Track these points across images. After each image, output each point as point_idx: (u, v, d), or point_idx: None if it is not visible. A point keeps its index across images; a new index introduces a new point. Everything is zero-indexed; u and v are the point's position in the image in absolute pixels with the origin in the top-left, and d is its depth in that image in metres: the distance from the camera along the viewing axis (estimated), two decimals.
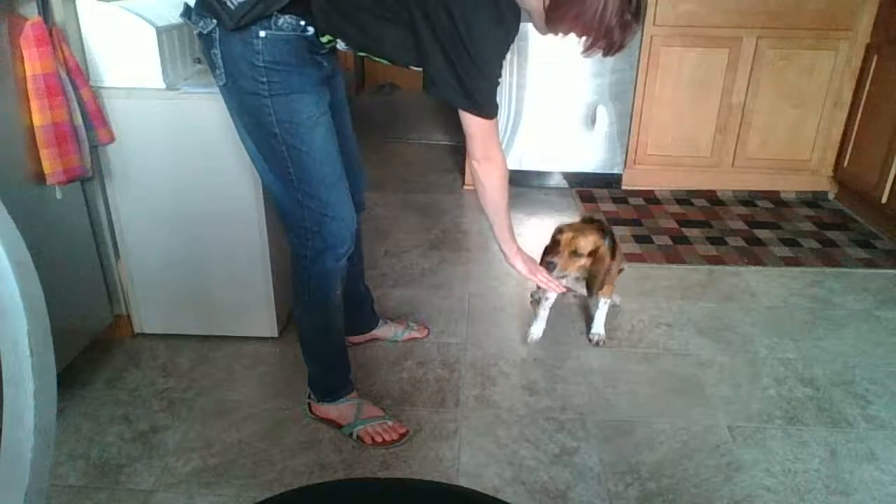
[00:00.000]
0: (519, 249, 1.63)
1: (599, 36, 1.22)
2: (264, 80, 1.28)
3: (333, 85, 1.47)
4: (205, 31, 1.28)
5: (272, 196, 1.48)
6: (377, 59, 1.38)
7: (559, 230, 1.88)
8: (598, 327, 2.00)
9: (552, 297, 1.97)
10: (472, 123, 1.34)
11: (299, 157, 1.36)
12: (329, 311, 1.56)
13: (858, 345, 2.03)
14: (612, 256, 1.88)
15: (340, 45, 1.35)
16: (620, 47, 1.24)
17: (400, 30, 1.27)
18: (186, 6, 1.32)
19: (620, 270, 2.03)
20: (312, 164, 1.38)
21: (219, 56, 1.29)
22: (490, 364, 1.92)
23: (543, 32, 1.31)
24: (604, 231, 1.88)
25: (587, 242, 1.83)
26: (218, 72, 1.32)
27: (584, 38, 1.24)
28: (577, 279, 1.91)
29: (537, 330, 1.98)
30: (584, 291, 1.93)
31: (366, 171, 1.74)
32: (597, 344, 1.96)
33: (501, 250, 1.63)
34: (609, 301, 1.99)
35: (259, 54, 1.26)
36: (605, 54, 1.26)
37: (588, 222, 1.95)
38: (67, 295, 1.73)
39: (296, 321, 1.64)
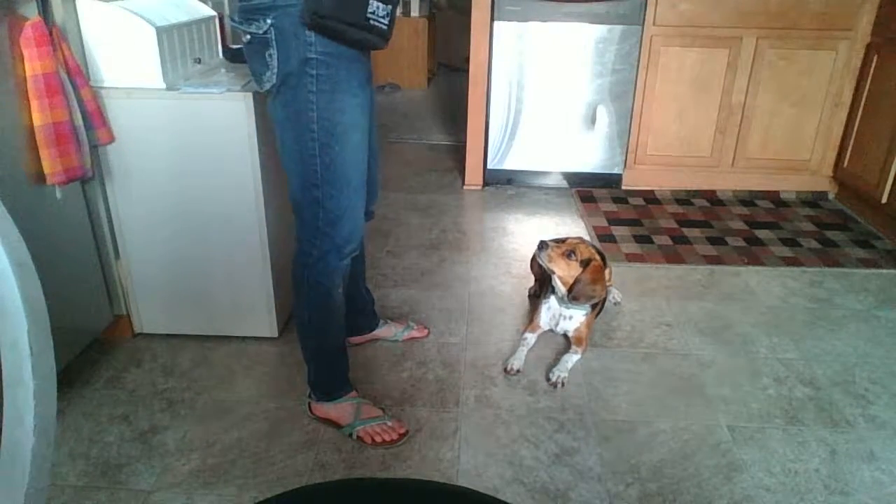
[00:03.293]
0: None
1: None
2: (313, 72, 1.30)
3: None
4: (259, 32, 1.29)
5: (290, 191, 1.48)
6: None
7: (576, 238, 1.98)
8: (562, 369, 1.84)
9: (531, 339, 1.98)
10: None
11: (331, 158, 1.37)
12: (330, 308, 1.57)
13: (858, 345, 2.03)
14: (597, 307, 1.97)
15: None
16: None
17: None
18: (231, 17, 1.37)
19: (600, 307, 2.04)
20: (342, 165, 1.39)
21: (274, 56, 1.30)
22: (490, 364, 1.92)
23: None
24: (604, 277, 1.93)
25: (587, 251, 1.89)
26: (269, 74, 1.33)
27: None
28: (563, 315, 1.94)
29: (517, 362, 1.88)
30: (566, 327, 1.95)
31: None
32: (554, 385, 1.80)
33: None
34: (580, 354, 1.91)
35: (312, 45, 1.28)
36: None
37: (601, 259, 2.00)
38: (67, 295, 1.73)
39: (296, 319, 1.64)
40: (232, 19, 1.38)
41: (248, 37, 1.33)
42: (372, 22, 1.28)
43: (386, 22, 1.31)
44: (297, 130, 1.37)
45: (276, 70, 1.32)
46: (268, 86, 1.35)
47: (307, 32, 1.27)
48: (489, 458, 1.57)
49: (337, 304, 1.57)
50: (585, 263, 1.86)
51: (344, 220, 1.45)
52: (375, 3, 1.27)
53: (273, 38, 1.29)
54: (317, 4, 1.22)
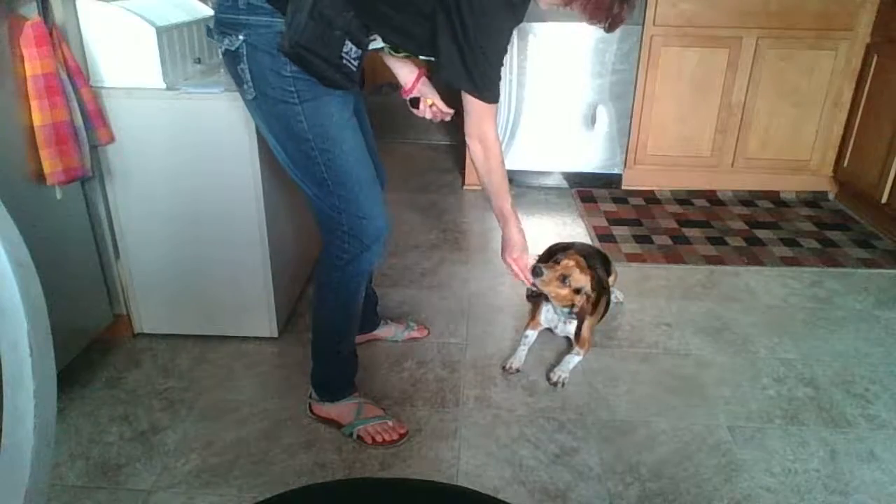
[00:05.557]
0: (519, 230, 1.59)
1: (602, 11, 1.29)
2: (292, 88, 1.31)
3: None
4: (232, 48, 1.31)
5: (309, 204, 1.48)
6: (400, 53, 1.48)
7: (565, 252, 1.86)
8: (563, 369, 1.84)
9: (532, 336, 1.96)
10: (470, 101, 1.38)
11: (333, 161, 1.38)
12: (352, 312, 1.58)
13: (858, 345, 2.03)
14: (593, 310, 1.86)
15: (377, 44, 1.40)
16: (621, 22, 1.31)
17: (419, 21, 1.31)
18: (208, 27, 1.37)
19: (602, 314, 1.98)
20: (347, 165, 1.40)
21: (246, 71, 1.32)
22: (490, 364, 1.92)
23: (545, 5, 1.36)
24: (600, 283, 1.87)
25: (580, 279, 1.78)
26: (246, 86, 1.34)
27: (586, 13, 1.31)
28: (563, 320, 1.90)
29: (517, 361, 1.88)
30: (567, 331, 1.92)
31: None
32: (554, 385, 1.80)
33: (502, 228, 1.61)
34: (581, 355, 1.89)
35: (286, 64, 1.28)
36: (608, 30, 1.33)
37: (594, 259, 1.94)
38: (67, 295, 1.73)
39: (315, 322, 1.62)
40: (208, 29, 1.39)
41: (223, 49, 1.35)
42: (344, 61, 1.30)
43: (355, 65, 1.32)
44: (294, 144, 1.38)
45: (251, 83, 1.33)
46: (249, 97, 1.36)
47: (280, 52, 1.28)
48: (489, 458, 1.57)
49: (358, 307, 1.59)
50: (577, 291, 1.78)
51: (367, 219, 1.45)
52: (350, 45, 1.29)
53: (245, 54, 1.30)
54: (297, 35, 1.23)
